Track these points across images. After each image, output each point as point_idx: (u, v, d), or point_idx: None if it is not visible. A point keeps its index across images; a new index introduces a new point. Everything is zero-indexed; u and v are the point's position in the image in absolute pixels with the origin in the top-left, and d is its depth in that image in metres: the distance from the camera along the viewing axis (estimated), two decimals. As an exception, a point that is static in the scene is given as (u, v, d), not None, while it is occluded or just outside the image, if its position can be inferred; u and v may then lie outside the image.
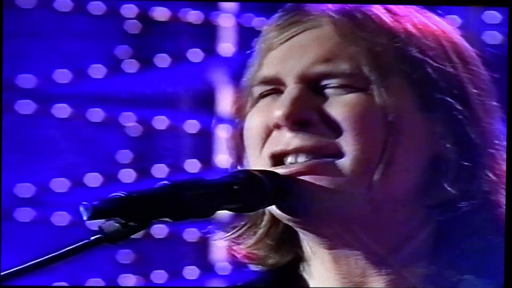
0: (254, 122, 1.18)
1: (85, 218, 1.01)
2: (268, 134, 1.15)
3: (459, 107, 1.13)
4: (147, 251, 3.42)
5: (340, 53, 1.14)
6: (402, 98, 1.13)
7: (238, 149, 1.24)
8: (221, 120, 4.07)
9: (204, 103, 4.27)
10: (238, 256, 1.25)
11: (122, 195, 1.02)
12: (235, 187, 1.09)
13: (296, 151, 1.12)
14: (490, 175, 1.13)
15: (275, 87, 1.18)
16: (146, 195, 1.04)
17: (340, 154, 1.10)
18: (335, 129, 1.10)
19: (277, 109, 1.12)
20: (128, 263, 3.44)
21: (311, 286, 1.22)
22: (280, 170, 1.12)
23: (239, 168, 1.22)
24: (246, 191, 1.10)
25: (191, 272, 3.36)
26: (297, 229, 1.19)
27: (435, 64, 1.13)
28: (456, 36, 1.21)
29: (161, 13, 3.60)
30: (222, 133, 4.02)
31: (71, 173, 3.66)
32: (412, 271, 1.16)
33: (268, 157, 1.15)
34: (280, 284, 1.23)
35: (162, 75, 3.96)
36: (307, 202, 1.10)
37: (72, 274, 3.20)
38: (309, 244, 1.19)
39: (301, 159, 1.12)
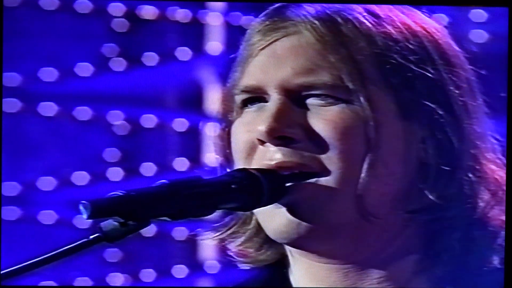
0: (240, 137, 1.18)
1: (84, 216, 1.01)
2: (253, 149, 1.15)
3: (441, 112, 1.12)
4: (135, 249, 3.42)
5: (321, 62, 1.13)
6: (384, 107, 1.12)
7: (225, 152, 1.23)
8: (209, 119, 4.06)
9: (193, 102, 4.26)
10: (230, 253, 1.26)
11: (122, 194, 1.02)
12: (232, 186, 1.10)
13: (279, 167, 1.12)
14: (471, 176, 1.14)
15: (257, 95, 1.17)
16: (145, 194, 1.04)
17: (324, 172, 1.10)
18: (319, 145, 1.10)
19: (259, 124, 1.11)
20: (116, 262, 3.43)
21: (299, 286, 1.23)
22: None
23: (227, 168, 1.21)
24: (244, 190, 1.10)
25: (180, 271, 3.36)
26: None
27: (417, 69, 1.13)
28: (440, 35, 1.20)
29: (148, 12, 3.59)
30: (211, 132, 4.05)
31: (58, 172, 3.65)
32: (400, 272, 1.17)
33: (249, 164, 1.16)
34: (272, 283, 1.24)
35: (150, 73, 3.95)
36: (292, 221, 1.10)
37: (59, 274, 3.19)
38: (292, 254, 1.20)
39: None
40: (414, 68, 1.13)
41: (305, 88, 1.13)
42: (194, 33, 3.65)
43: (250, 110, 1.17)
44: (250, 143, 1.14)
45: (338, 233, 1.13)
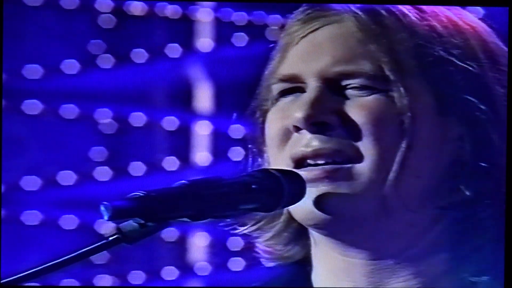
0: (274, 124, 1.19)
1: (105, 218, 0.99)
2: (288, 136, 1.16)
3: (483, 107, 1.13)
4: (123, 251, 3.35)
5: (362, 51, 1.14)
6: (422, 100, 1.13)
7: (259, 146, 1.25)
8: (200, 117, 4.05)
9: (183, 100, 4.24)
10: (256, 249, 1.27)
11: (142, 195, 1.00)
12: (253, 186, 1.09)
13: (315, 154, 1.12)
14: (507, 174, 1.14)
15: (294, 85, 1.18)
16: (165, 195, 1.03)
17: (358, 158, 1.10)
18: (355, 133, 1.10)
19: (296, 111, 1.12)
20: (103, 264, 3.37)
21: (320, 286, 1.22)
22: (300, 173, 1.12)
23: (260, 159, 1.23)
24: (264, 191, 1.10)
25: (169, 273, 3.32)
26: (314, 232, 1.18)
27: (460, 64, 1.13)
28: (487, 33, 1.21)
29: (137, 8, 3.55)
30: (202, 130, 4.03)
31: (42, 171, 3.59)
32: (428, 271, 1.15)
33: (288, 159, 1.16)
34: (295, 283, 1.24)
35: (139, 70, 3.91)
36: (323, 206, 1.10)
37: (45, 275, 3.12)
38: (320, 248, 1.19)
39: (321, 161, 1.11)
40: (457, 62, 1.12)
41: (344, 77, 1.14)
42: (184, 30, 3.61)
43: (286, 100, 1.18)
44: (285, 130, 1.13)
45: (365, 222, 1.12)
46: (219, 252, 3.01)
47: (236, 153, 3.29)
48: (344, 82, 1.14)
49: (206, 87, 4.03)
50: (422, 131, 1.12)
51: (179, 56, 3.66)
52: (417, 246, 1.16)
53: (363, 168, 1.09)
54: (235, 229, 1.25)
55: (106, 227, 2.23)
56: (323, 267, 1.21)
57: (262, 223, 1.22)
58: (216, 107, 4.22)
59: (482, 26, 1.21)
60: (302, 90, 1.16)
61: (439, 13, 1.18)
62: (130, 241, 1.03)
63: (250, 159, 1.28)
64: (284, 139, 1.15)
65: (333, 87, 1.14)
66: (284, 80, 1.21)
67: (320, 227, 1.14)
